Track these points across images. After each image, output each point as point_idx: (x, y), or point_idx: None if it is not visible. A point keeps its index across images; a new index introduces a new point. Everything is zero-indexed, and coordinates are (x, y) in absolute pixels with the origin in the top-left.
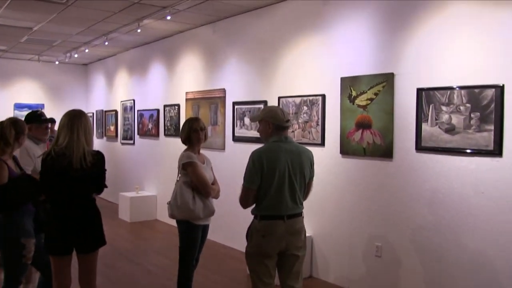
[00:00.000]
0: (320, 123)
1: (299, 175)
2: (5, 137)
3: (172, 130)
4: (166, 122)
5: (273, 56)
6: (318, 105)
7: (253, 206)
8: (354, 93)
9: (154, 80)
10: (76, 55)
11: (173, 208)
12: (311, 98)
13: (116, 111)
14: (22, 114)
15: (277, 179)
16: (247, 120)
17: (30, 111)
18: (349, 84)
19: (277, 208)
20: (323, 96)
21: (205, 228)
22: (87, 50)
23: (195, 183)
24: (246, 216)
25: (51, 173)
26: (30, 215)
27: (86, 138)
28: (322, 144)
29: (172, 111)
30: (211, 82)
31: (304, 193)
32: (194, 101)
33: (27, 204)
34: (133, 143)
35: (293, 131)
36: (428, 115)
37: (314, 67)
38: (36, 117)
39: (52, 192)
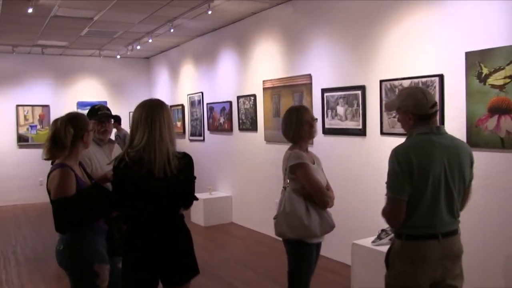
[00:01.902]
0: (438, 109)
1: (458, 178)
2: (60, 139)
3: (248, 124)
4: (240, 115)
5: (371, 33)
6: (434, 87)
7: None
8: (485, 71)
9: (224, 69)
10: (138, 47)
11: (282, 224)
12: (424, 79)
13: (182, 106)
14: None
15: (431, 185)
16: (340, 110)
17: None
18: (477, 60)
19: (430, 224)
20: (441, 77)
21: (319, 246)
22: (150, 40)
23: (307, 190)
24: (343, 219)
25: (126, 185)
26: (103, 234)
27: (170, 136)
28: None
29: (247, 102)
30: (293, 68)
31: (461, 202)
32: (274, 90)
33: (99, 221)
34: (203, 140)
35: None
36: None
37: (427, 43)
38: (93, 112)
39: (128, 209)
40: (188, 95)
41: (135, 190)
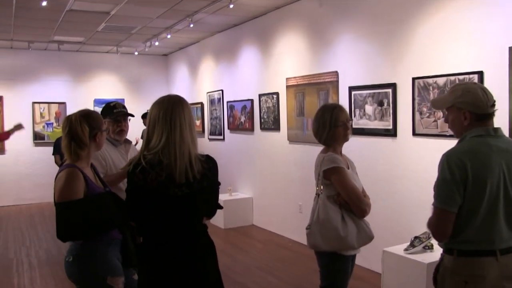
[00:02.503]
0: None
1: None
2: (78, 136)
3: (270, 123)
4: (262, 114)
5: (402, 26)
6: None
7: None
8: None
9: (246, 66)
10: (156, 43)
11: (316, 235)
12: (461, 77)
13: (201, 104)
14: None
15: (488, 194)
16: (369, 109)
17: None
18: None
19: (487, 239)
20: (480, 74)
21: (354, 258)
22: (169, 36)
23: (343, 197)
24: (373, 225)
25: (143, 191)
26: (117, 244)
27: (192, 136)
28: None
29: (269, 101)
30: (318, 65)
31: None
32: (298, 88)
33: (111, 231)
34: (223, 139)
35: (435, 121)
36: None
37: (465, 36)
38: (108, 109)
39: (144, 219)
40: (207, 93)
41: (153, 197)
